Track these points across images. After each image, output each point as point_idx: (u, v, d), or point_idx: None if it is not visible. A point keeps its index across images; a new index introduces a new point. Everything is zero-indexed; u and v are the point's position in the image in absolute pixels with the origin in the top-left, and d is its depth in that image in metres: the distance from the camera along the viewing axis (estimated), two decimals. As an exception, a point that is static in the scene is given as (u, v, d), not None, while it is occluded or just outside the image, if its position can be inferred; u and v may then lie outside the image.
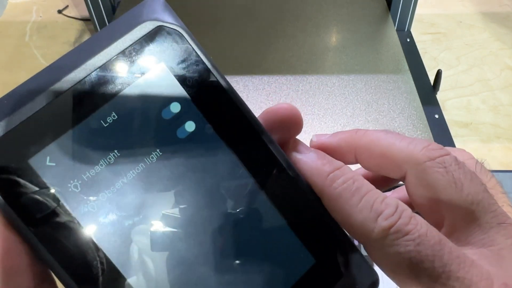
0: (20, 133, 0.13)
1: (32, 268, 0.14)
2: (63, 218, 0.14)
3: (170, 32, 0.15)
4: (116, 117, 0.14)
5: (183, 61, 0.15)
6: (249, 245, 0.16)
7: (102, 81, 0.14)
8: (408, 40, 0.78)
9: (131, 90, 0.15)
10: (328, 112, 0.58)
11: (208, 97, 0.16)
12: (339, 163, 0.17)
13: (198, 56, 0.16)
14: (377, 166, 0.19)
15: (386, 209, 0.16)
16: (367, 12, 0.76)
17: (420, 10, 0.82)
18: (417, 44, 0.77)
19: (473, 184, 0.17)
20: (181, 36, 0.15)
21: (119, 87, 0.14)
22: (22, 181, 0.13)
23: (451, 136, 0.60)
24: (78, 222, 0.14)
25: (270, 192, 0.16)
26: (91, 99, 0.14)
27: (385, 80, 0.62)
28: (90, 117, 0.14)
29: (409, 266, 0.15)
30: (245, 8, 0.78)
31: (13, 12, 0.99)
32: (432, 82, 0.68)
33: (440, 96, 0.68)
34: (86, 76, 0.14)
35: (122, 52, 0.15)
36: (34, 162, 0.13)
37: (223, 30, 0.73)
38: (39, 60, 0.84)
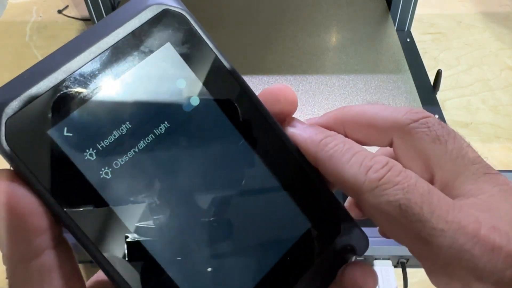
0: (40, 106, 0.15)
1: (51, 230, 0.15)
2: (80, 184, 0.15)
3: (174, 15, 0.17)
4: (128, 91, 0.16)
5: (187, 41, 0.17)
6: (250, 210, 0.18)
7: (114, 58, 0.16)
8: (408, 40, 0.78)
9: (141, 66, 0.16)
10: (328, 112, 0.58)
11: (211, 74, 0.17)
12: (331, 132, 0.19)
13: (200, 36, 0.17)
14: (365, 137, 0.20)
15: (375, 164, 0.17)
16: (367, 12, 0.76)
17: (420, 10, 0.82)
18: (417, 44, 0.77)
19: (456, 140, 0.18)
20: (185, 18, 0.17)
21: (130, 63, 0.16)
22: (42, 151, 0.15)
23: (451, 136, 0.60)
24: (94, 188, 0.15)
25: (269, 161, 0.18)
26: (105, 74, 0.16)
27: (385, 80, 0.62)
28: (104, 91, 0.15)
29: (399, 212, 0.16)
30: (245, 8, 0.78)
31: (13, 12, 0.99)
32: (432, 82, 0.68)
33: (440, 96, 0.68)
34: (100, 54, 0.15)
35: (132, 33, 0.16)
36: (53, 133, 0.15)
37: (223, 30, 0.73)
38: (39, 60, 0.84)
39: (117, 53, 0.16)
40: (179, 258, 0.16)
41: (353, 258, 0.19)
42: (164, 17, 0.17)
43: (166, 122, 0.16)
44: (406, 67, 0.64)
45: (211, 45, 0.17)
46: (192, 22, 0.17)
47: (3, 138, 0.14)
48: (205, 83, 0.17)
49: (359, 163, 0.17)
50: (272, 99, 0.19)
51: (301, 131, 0.19)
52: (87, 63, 0.15)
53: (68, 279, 0.15)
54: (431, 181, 0.18)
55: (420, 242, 0.16)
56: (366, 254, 0.50)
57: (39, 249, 0.15)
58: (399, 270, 0.50)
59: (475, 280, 0.15)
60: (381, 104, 0.20)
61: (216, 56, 0.17)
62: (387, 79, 0.62)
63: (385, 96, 0.59)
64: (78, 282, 0.16)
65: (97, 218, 0.15)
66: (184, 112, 0.17)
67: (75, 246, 0.16)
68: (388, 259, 0.49)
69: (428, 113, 0.19)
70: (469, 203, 0.16)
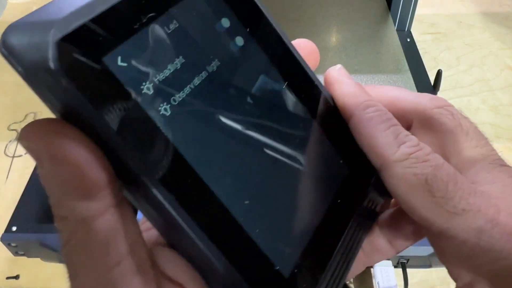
0: (94, 28, 0.13)
1: (112, 184, 0.13)
2: (141, 120, 0.13)
3: None
4: (178, 25, 0.15)
5: None
6: (300, 150, 0.18)
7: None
8: (408, 40, 0.78)
9: (188, 2, 0.15)
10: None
11: (251, 15, 0.17)
12: (372, 96, 0.19)
13: None
14: None
15: (410, 141, 0.17)
16: (367, 12, 0.76)
17: (420, 10, 0.82)
18: (417, 44, 0.77)
19: (476, 131, 0.19)
20: None
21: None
22: (98, 80, 0.13)
23: (451, 136, 0.60)
24: (156, 124, 0.14)
25: (309, 105, 0.19)
26: (154, 5, 0.14)
27: (385, 80, 0.62)
28: (155, 22, 0.14)
29: (425, 185, 0.16)
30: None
31: (13, 12, 0.99)
32: (432, 82, 0.68)
33: (440, 96, 0.68)
34: None
35: None
36: (108, 60, 0.13)
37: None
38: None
39: None
40: (246, 201, 0.16)
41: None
42: None
43: (216, 60, 0.16)
44: (406, 67, 0.64)
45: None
46: None
47: (54, 64, 0.11)
48: (247, 25, 0.17)
49: (395, 135, 0.17)
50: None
51: (348, 85, 0.19)
52: None
53: (134, 242, 0.14)
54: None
55: (440, 217, 0.16)
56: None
57: (102, 207, 0.13)
58: (399, 270, 0.50)
59: (489, 262, 0.16)
60: (403, 88, 0.21)
61: (256, 2, 0.18)
62: (387, 79, 0.62)
63: (385, 96, 0.59)
64: (143, 247, 0.14)
65: (161, 156, 0.14)
66: (231, 51, 0.17)
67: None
68: (388, 259, 0.49)
69: (446, 101, 0.19)
70: (487, 190, 0.17)
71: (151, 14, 0.14)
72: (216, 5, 0.16)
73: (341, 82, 0.20)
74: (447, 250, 0.17)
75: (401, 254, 0.48)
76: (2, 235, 0.49)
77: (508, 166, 0.18)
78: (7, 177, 0.65)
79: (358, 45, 0.69)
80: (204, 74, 0.16)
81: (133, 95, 0.13)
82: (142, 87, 0.14)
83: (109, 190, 0.13)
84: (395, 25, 0.76)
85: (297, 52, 0.19)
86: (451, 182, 0.16)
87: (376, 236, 0.20)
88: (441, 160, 0.17)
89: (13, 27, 0.12)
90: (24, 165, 0.66)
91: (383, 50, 0.68)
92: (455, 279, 0.18)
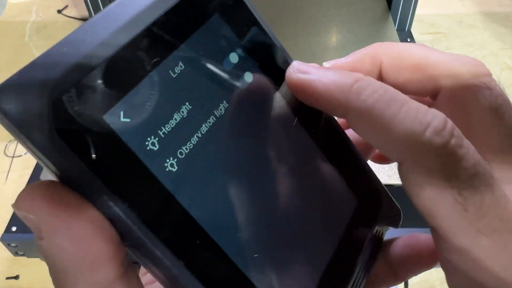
0: (92, 85, 0.11)
1: (118, 254, 0.12)
2: (147, 181, 0.12)
3: None
4: (183, 67, 0.14)
5: (235, 11, 0.15)
6: (308, 189, 0.17)
7: (163, 32, 0.13)
8: (409, 40, 0.78)
9: (192, 40, 0.14)
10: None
11: (260, 47, 0.16)
12: (360, 74, 0.15)
13: (248, 9, 0.16)
14: (406, 81, 0.16)
15: (434, 119, 0.13)
16: (367, 12, 0.76)
17: (420, 10, 0.82)
18: (417, 44, 0.77)
19: None
20: None
21: (180, 37, 0.14)
22: (99, 141, 0.11)
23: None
24: (162, 184, 0.13)
25: (319, 139, 0.17)
26: (158, 47, 0.13)
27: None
28: (160, 66, 0.13)
29: (457, 198, 0.13)
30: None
31: (12, 12, 0.99)
32: (432, 82, 0.68)
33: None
34: (150, 24, 0.13)
35: (179, 3, 0.14)
36: (109, 118, 0.12)
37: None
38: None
39: (167, 23, 0.13)
40: (255, 253, 0.15)
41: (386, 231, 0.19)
42: None
43: (224, 102, 0.15)
44: (407, 67, 0.64)
45: (259, 19, 0.16)
46: None
47: (50, 129, 0.10)
48: (256, 58, 0.16)
49: (412, 115, 0.13)
50: None
51: (319, 76, 0.15)
52: (137, 34, 0.12)
53: None
54: None
55: (467, 236, 0.13)
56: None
57: (106, 280, 0.12)
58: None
59: None
60: (430, 47, 0.16)
61: (265, 30, 0.16)
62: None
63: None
64: None
65: (169, 219, 0.13)
66: (240, 89, 0.15)
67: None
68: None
69: (488, 71, 0.16)
70: None
71: (154, 60, 0.13)
72: (223, 40, 0.15)
73: (310, 79, 0.15)
74: (461, 272, 0.14)
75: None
76: (2, 235, 0.49)
77: None
78: (7, 177, 0.65)
79: (358, 45, 0.69)
80: (212, 120, 0.14)
81: (138, 153, 0.12)
82: (147, 143, 0.12)
83: (115, 262, 0.12)
84: (395, 25, 0.76)
85: None
86: (487, 194, 0.13)
87: (381, 265, 0.19)
88: (476, 155, 0.13)
89: (6, 87, 0.10)
90: (24, 165, 0.66)
91: (383, 50, 0.68)
92: None
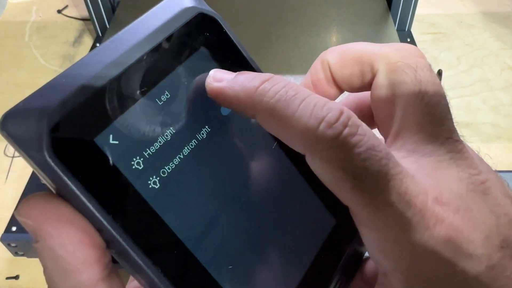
0: (83, 112, 0.13)
1: (102, 259, 0.13)
2: (130, 196, 0.14)
3: (208, 18, 0.16)
4: (169, 96, 0.15)
5: (219, 45, 0.17)
6: (286, 210, 0.18)
7: (154, 62, 0.15)
8: (409, 40, 0.78)
9: (179, 71, 0.16)
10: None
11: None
12: (268, 74, 0.16)
13: (232, 41, 0.17)
14: (351, 74, 0.18)
15: (328, 113, 0.14)
16: (367, 12, 0.76)
17: (420, 10, 0.82)
18: (417, 44, 0.77)
19: (435, 94, 0.16)
20: (217, 22, 0.17)
21: (169, 67, 0.15)
22: (89, 162, 0.13)
23: (452, 136, 0.60)
24: (144, 199, 0.14)
25: (295, 160, 0.18)
26: (144, 79, 0.15)
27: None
28: (148, 95, 0.15)
29: (353, 181, 0.14)
30: (245, 8, 0.78)
31: (12, 12, 0.98)
32: (432, 82, 0.68)
33: (440, 96, 0.68)
34: (139, 57, 0.15)
35: (169, 36, 0.15)
36: (99, 141, 0.13)
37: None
38: (39, 60, 0.84)
39: (156, 56, 0.15)
40: (229, 264, 0.16)
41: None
42: (198, 21, 0.16)
43: (207, 127, 0.16)
44: (407, 67, 0.64)
45: (241, 49, 0.17)
46: (224, 26, 0.17)
47: (47, 150, 0.12)
48: None
49: (308, 114, 0.14)
50: None
51: (231, 83, 0.16)
52: (128, 67, 0.14)
53: None
54: (390, 126, 0.17)
55: (370, 214, 0.14)
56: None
57: (90, 281, 0.13)
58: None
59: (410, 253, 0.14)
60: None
61: (247, 61, 0.18)
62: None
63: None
64: None
65: (150, 231, 0.14)
66: (222, 116, 0.17)
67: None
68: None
69: (421, 53, 0.17)
70: (418, 166, 0.15)
71: (143, 89, 0.15)
72: (208, 70, 0.16)
73: (222, 86, 0.16)
74: (376, 240, 0.15)
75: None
76: (2, 235, 0.49)
77: (455, 139, 0.16)
78: (6, 177, 0.65)
79: (358, 45, 0.69)
80: (194, 143, 0.16)
81: (124, 171, 0.14)
82: (132, 163, 0.14)
83: (98, 265, 0.13)
84: (395, 25, 0.76)
85: None
86: (381, 174, 0.14)
87: (357, 282, 0.19)
88: (372, 139, 0.14)
89: (12, 113, 0.13)
90: (24, 165, 0.66)
91: (383, 50, 0.68)
92: (375, 262, 0.16)
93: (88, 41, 0.88)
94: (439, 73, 0.66)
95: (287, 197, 0.18)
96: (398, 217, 0.14)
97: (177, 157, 0.15)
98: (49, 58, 0.84)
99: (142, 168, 0.14)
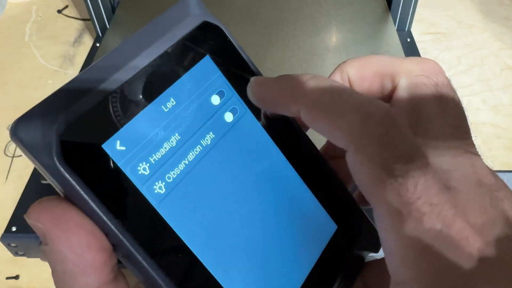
0: (92, 118, 0.14)
1: (109, 262, 0.14)
2: (137, 201, 0.14)
3: (213, 27, 0.17)
4: (174, 103, 0.16)
5: (224, 53, 0.17)
6: (289, 216, 0.18)
7: (160, 70, 0.15)
8: (409, 40, 0.78)
9: (185, 78, 0.16)
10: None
11: (245, 86, 0.17)
12: (311, 74, 0.16)
13: (236, 49, 0.17)
14: (370, 86, 0.18)
15: (377, 109, 0.14)
16: (367, 12, 0.76)
17: (420, 10, 0.82)
18: (417, 44, 0.77)
19: (456, 108, 0.17)
20: (221, 30, 0.17)
21: (175, 75, 0.16)
22: (97, 167, 0.14)
23: (452, 136, 0.60)
24: (150, 204, 0.15)
25: (300, 168, 0.18)
26: (151, 86, 0.15)
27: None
28: (154, 102, 0.15)
29: (392, 183, 0.14)
30: (245, 8, 0.78)
31: (12, 12, 0.98)
32: (432, 82, 0.68)
33: (440, 96, 0.68)
34: (146, 65, 0.15)
35: (175, 44, 0.16)
36: (107, 147, 0.14)
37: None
38: (39, 60, 0.84)
39: (163, 64, 0.15)
40: (233, 268, 0.16)
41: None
42: (203, 29, 0.16)
43: (211, 133, 0.16)
44: (407, 67, 0.64)
45: (245, 57, 0.18)
46: (227, 34, 0.17)
47: (57, 156, 0.13)
48: (242, 95, 0.17)
49: (356, 106, 0.14)
50: None
51: (275, 82, 0.16)
52: (135, 74, 0.15)
53: None
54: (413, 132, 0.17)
55: (400, 220, 0.14)
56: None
57: (97, 283, 0.14)
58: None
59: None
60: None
61: (251, 68, 0.18)
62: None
63: (386, 96, 0.59)
64: None
65: (156, 235, 0.15)
66: (226, 122, 0.17)
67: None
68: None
69: (441, 69, 0.18)
70: (448, 178, 0.15)
71: (149, 96, 0.15)
72: (212, 78, 0.17)
73: (270, 85, 0.16)
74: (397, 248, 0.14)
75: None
76: (2, 235, 0.49)
77: (473, 152, 0.16)
78: (7, 177, 0.65)
79: (358, 45, 0.69)
80: (198, 149, 0.16)
81: (130, 177, 0.14)
82: (139, 168, 0.15)
83: (105, 268, 0.14)
84: (395, 25, 0.76)
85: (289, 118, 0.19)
86: (420, 179, 0.13)
87: (359, 286, 0.19)
88: (414, 142, 0.14)
89: (23, 120, 0.13)
90: (24, 165, 0.66)
91: (383, 50, 0.68)
92: (391, 270, 0.15)
93: (88, 41, 0.88)
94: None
95: (291, 203, 0.18)
96: (427, 229, 0.14)
97: (182, 163, 0.16)
98: (49, 58, 0.84)
99: (148, 173, 0.15)
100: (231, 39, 0.17)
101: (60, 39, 0.89)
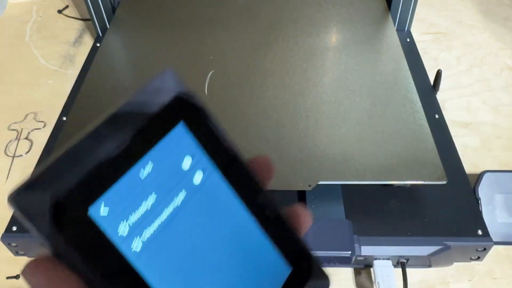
0: (79, 187, 0.16)
1: None
2: (117, 258, 0.16)
3: (187, 98, 0.19)
4: (152, 165, 0.18)
5: (197, 121, 0.19)
6: (248, 265, 0.20)
7: (139, 139, 0.17)
8: (408, 40, 0.78)
9: (162, 144, 0.18)
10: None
11: (217, 151, 0.20)
12: None
13: (209, 118, 0.20)
14: None
15: None
16: (367, 12, 0.76)
17: (420, 10, 0.82)
18: (417, 44, 0.77)
19: None
20: (196, 102, 0.19)
21: (152, 142, 0.18)
22: (84, 231, 0.16)
23: (451, 136, 0.60)
24: (128, 262, 0.17)
25: (259, 219, 0.21)
26: (132, 153, 0.17)
27: (384, 81, 0.62)
28: (133, 168, 0.17)
29: None
30: (245, 8, 0.78)
31: (13, 12, 0.99)
32: (432, 82, 0.68)
33: (440, 96, 0.68)
34: (126, 136, 0.17)
35: (153, 114, 0.18)
36: (92, 212, 0.16)
37: (223, 30, 0.73)
38: (39, 60, 0.84)
39: (141, 134, 0.17)
40: None
41: None
42: (179, 100, 0.19)
43: (183, 192, 0.19)
44: (406, 67, 0.64)
45: (215, 123, 0.20)
46: (201, 104, 0.19)
47: (50, 222, 0.15)
48: (211, 158, 0.20)
49: None
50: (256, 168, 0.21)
51: None
52: (116, 145, 0.17)
53: None
54: None
55: None
56: (366, 254, 0.50)
57: None
58: (399, 270, 0.50)
59: None
60: None
61: (220, 132, 0.20)
62: (387, 79, 0.62)
63: (385, 96, 0.59)
64: None
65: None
66: (195, 184, 0.19)
67: None
68: (388, 259, 0.49)
69: None
70: None
71: (129, 162, 0.17)
72: (185, 142, 0.19)
73: None
74: None
75: (401, 253, 0.49)
76: (3, 235, 0.49)
77: None
78: (7, 177, 0.65)
79: (358, 45, 0.69)
80: (171, 208, 0.18)
81: (111, 237, 0.16)
82: (118, 230, 0.16)
83: None
84: (395, 25, 0.76)
85: (252, 174, 0.21)
86: None
87: None
88: None
89: (20, 191, 0.15)
90: (25, 165, 0.66)
91: (383, 50, 0.68)
92: None
93: (88, 41, 0.89)
94: (438, 73, 0.66)
95: (252, 252, 0.21)
96: None
97: (157, 222, 0.18)
98: (50, 58, 0.85)
99: (127, 234, 0.17)
100: (203, 108, 0.20)
101: (60, 39, 0.89)
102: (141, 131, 0.18)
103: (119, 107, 0.18)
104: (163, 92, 0.19)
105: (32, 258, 0.16)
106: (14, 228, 0.50)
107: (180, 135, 0.19)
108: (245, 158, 0.21)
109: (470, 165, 0.64)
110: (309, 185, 0.48)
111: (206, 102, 0.20)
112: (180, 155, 0.19)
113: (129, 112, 0.18)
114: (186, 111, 0.19)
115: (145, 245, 0.17)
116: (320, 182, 0.48)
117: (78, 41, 0.89)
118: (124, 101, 0.18)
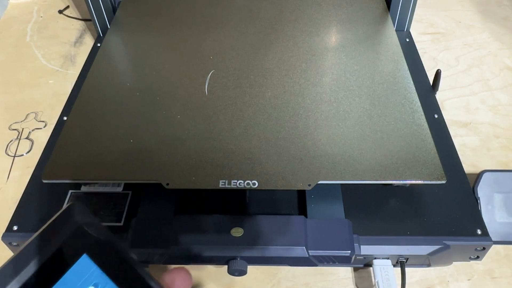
0: None
1: None
2: None
3: (90, 228, 0.21)
4: None
5: (101, 249, 0.21)
6: None
7: (47, 272, 0.19)
8: (408, 40, 0.78)
9: (68, 275, 0.20)
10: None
11: (121, 275, 0.21)
12: None
13: (113, 244, 0.21)
14: None
15: None
16: (366, 12, 0.76)
17: (419, 10, 0.82)
18: (416, 44, 0.78)
19: None
20: (100, 229, 0.21)
21: (60, 273, 0.20)
22: None
23: (450, 136, 0.60)
24: None
25: None
26: (43, 286, 0.19)
27: (384, 80, 0.62)
28: None
29: None
30: (245, 8, 0.78)
31: (13, 12, 0.99)
32: (431, 82, 0.68)
33: (439, 96, 0.68)
34: (34, 269, 0.19)
35: (58, 250, 0.20)
36: None
37: (223, 30, 0.73)
38: (40, 60, 0.84)
39: (48, 267, 0.19)
40: None
41: None
42: (82, 231, 0.21)
43: None
44: (405, 67, 0.64)
45: (120, 249, 0.21)
46: (104, 231, 0.21)
47: None
48: (116, 283, 0.21)
49: None
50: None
51: None
52: (25, 280, 0.19)
53: None
54: None
55: None
56: (366, 253, 0.50)
57: None
58: (398, 269, 0.50)
59: None
60: None
61: (125, 255, 0.21)
62: (386, 79, 0.62)
63: (384, 96, 0.59)
64: None
65: None
66: None
67: None
68: (388, 258, 0.50)
69: None
70: None
71: None
72: (88, 273, 0.20)
73: None
74: None
75: (400, 253, 0.49)
76: (3, 234, 0.50)
77: None
78: (8, 177, 0.65)
79: (357, 45, 0.69)
80: None
81: None
82: None
83: None
84: (394, 25, 0.77)
85: None
86: None
87: None
88: None
89: None
90: (25, 165, 0.66)
91: (382, 50, 0.68)
92: None
93: (89, 41, 0.89)
94: (438, 73, 0.66)
95: None
96: None
97: None
98: (50, 58, 0.85)
99: None
100: (108, 234, 0.21)
101: (61, 39, 0.90)
102: (45, 266, 0.19)
103: (23, 247, 0.20)
104: (68, 224, 0.21)
105: None
106: (15, 228, 0.50)
107: (85, 266, 0.20)
108: (154, 280, 0.22)
109: (469, 165, 0.64)
110: (309, 185, 0.48)
111: (108, 231, 0.21)
112: (86, 284, 0.20)
113: (34, 249, 0.20)
114: (89, 242, 0.21)
115: None
116: (320, 182, 0.48)
117: (78, 41, 0.89)
118: (29, 241, 0.20)
